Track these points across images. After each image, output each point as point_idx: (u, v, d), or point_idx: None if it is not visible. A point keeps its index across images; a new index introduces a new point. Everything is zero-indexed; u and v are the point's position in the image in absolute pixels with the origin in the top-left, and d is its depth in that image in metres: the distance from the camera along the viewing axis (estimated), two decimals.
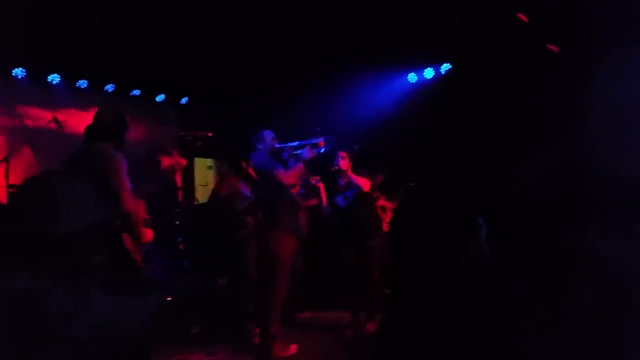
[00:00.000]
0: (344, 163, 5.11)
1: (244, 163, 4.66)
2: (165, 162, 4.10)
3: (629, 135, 5.17)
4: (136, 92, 7.24)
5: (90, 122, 3.52)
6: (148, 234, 3.67)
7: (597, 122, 5.35)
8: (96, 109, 3.64)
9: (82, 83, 6.65)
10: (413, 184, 5.26)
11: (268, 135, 4.73)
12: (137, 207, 3.42)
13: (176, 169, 4.25)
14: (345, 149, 5.09)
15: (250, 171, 4.57)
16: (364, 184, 5.17)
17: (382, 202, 5.95)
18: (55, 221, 1.64)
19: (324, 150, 4.70)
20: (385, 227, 6.12)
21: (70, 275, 1.75)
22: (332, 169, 5.10)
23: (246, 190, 5.21)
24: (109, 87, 6.90)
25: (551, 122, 5.59)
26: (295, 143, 4.74)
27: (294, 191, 4.91)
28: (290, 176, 4.48)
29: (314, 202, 5.64)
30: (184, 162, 4.22)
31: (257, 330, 4.98)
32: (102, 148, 3.34)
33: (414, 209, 1.53)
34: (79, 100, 6.56)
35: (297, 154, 4.71)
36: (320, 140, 4.68)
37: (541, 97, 5.83)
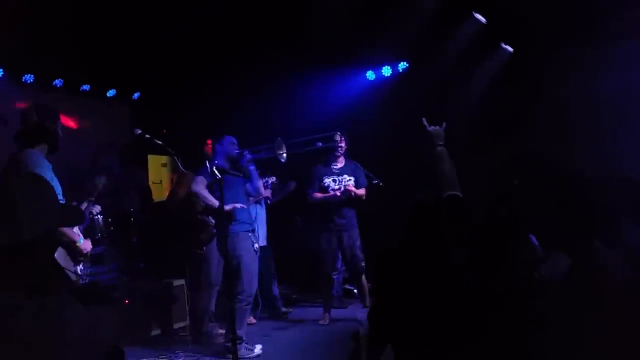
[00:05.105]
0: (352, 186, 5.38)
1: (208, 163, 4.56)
2: None
3: (577, 135, 5.37)
4: (86, 87, 6.95)
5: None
6: (85, 245, 3.49)
7: (548, 122, 5.55)
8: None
9: (28, 77, 6.33)
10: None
11: (227, 139, 4.73)
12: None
13: None
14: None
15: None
16: (364, 192, 5.43)
17: None
18: (15, 227, 1.55)
19: (284, 161, 4.78)
20: None
21: (38, 286, 1.66)
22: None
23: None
24: (57, 82, 6.60)
25: (504, 121, 5.76)
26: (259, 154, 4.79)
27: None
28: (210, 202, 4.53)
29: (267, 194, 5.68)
30: None
31: (221, 331, 4.92)
32: (32, 156, 3.03)
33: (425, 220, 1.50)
34: (25, 96, 6.24)
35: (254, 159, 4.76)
36: (283, 152, 4.74)
37: (495, 96, 5.99)
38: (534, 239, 1.50)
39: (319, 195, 5.43)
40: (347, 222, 5.38)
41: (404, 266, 1.47)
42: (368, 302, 5.46)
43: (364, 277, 5.48)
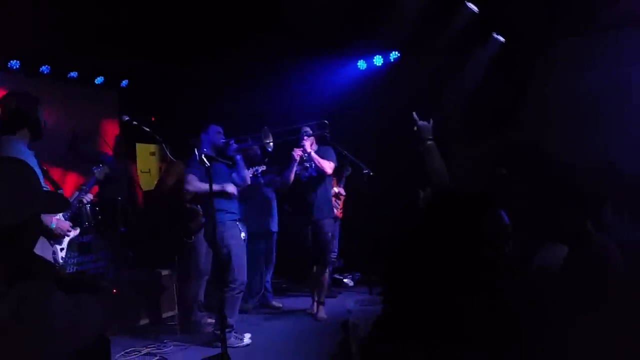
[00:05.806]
0: (308, 144, 5.12)
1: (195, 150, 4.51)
2: None
3: (567, 125, 5.39)
4: (73, 74, 6.85)
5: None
6: (60, 225, 3.45)
7: (538, 112, 5.56)
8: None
9: (14, 64, 6.22)
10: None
11: (212, 129, 4.68)
12: None
13: None
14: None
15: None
16: (329, 166, 5.22)
17: (334, 188, 5.99)
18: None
19: (271, 150, 4.84)
20: (339, 212, 6.16)
21: (21, 273, 1.62)
22: (298, 150, 5.12)
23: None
24: (44, 69, 6.50)
25: (495, 112, 5.76)
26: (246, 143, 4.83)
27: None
28: (199, 187, 4.47)
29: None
30: None
31: (210, 320, 4.91)
32: (11, 143, 2.99)
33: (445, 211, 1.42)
34: (11, 83, 6.14)
35: (242, 149, 4.75)
36: (270, 141, 4.77)
37: (486, 86, 5.99)
38: (504, 214, 1.47)
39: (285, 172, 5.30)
40: (320, 212, 5.29)
41: (425, 258, 1.37)
42: (322, 297, 5.36)
43: (327, 271, 5.43)
